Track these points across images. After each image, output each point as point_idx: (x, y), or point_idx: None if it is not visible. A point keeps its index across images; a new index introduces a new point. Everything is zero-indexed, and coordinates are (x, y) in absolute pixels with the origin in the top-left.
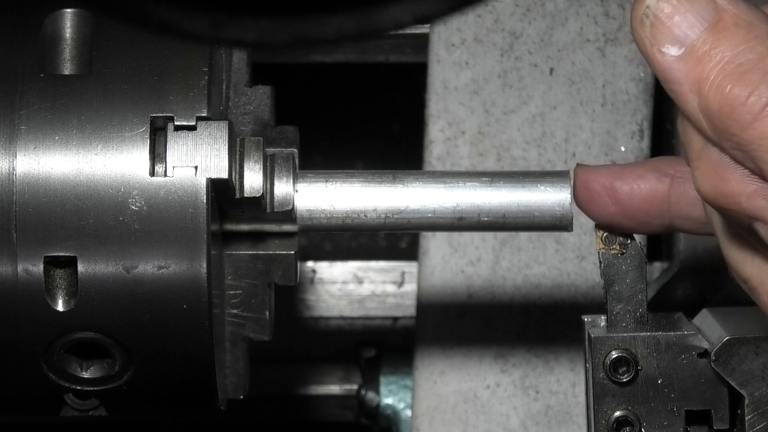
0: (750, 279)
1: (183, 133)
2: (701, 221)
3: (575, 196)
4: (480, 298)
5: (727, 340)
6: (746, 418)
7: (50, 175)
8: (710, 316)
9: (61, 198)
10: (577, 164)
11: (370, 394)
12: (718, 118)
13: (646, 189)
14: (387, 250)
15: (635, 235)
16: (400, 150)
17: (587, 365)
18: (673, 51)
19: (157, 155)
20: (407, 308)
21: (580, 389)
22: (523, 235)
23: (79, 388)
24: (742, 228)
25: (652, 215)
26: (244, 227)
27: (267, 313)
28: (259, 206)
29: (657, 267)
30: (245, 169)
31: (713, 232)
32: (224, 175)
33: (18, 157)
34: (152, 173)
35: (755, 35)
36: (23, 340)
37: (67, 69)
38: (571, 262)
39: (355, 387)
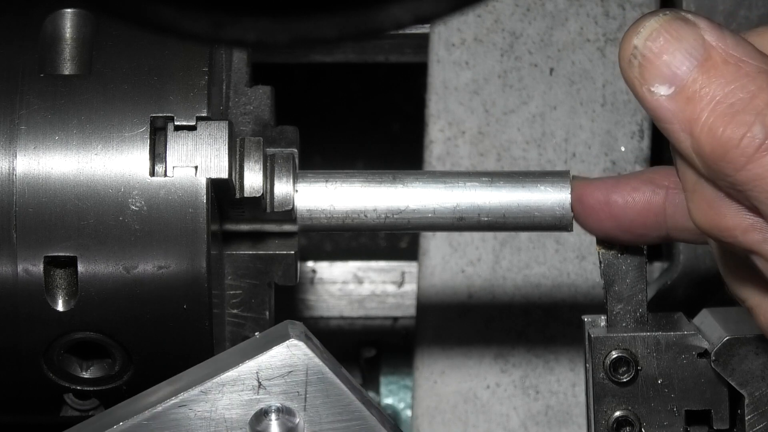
0: (746, 300)
1: (183, 133)
2: (698, 231)
3: (573, 208)
4: (480, 298)
5: (727, 340)
6: (746, 418)
7: (50, 175)
8: (710, 316)
9: (61, 198)
10: (573, 176)
11: (370, 394)
12: (711, 159)
13: (642, 201)
14: (387, 250)
15: None
16: (400, 150)
17: (587, 365)
18: (662, 90)
19: (157, 155)
20: (407, 308)
21: (580, 389)
22: (523, 235)
23: (79, 388)
24: (739, 256)
25: (648, 227)
26: (244, 227)
27: (267, 313)
28: (259, 206)
29: (657, 267)
30: (245, 169)
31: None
32: (224, 175)
33: (18, 157)
34: (152, 173)
35: (745, 72)
36: (23, 340)
37: (67, 69)
38: (571, 262)
39: None
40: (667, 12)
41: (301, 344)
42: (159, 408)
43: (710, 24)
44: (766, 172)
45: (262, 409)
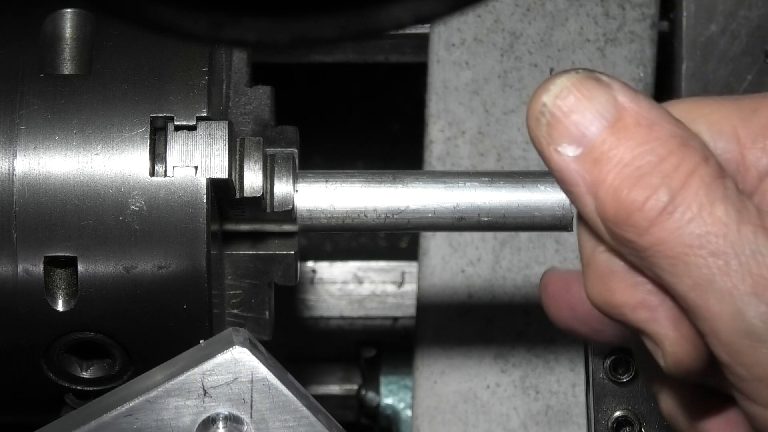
0: (650, 387)
1: (183, 133)
2: None
3: (541, 297)
4: (480, 298)
5: None
6: None
7: (50, 175)
8: None
9: (61, 198)
10: (548, 270)
11: (370, 394)
12: (615, 223)
13: None
14: (387, 250)
15: None
16: (400, 150)
17: (587, 365)
18: (569, 151)
19: (157, 155)
20: (407, 308)
21: (580, 389)
22: (523, 235)
23: (79, 388)
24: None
25: (604, 322)
26: (244, 227)
27: (267, 313)
28: (259, 206)
29: None
30: (245, 169)
31: None
32: (224, 175)
33: (18, 157)
34: (152, 173)
35: (656, 136)
36: (23, 340)
37: (67, 69)
38: (571, 262)
39: (355, 387)
40: (580, 71)
41: (245, 351)
42: (106, 417)
43: (624, 86)
44: (669, 236)
45: (209, 417)
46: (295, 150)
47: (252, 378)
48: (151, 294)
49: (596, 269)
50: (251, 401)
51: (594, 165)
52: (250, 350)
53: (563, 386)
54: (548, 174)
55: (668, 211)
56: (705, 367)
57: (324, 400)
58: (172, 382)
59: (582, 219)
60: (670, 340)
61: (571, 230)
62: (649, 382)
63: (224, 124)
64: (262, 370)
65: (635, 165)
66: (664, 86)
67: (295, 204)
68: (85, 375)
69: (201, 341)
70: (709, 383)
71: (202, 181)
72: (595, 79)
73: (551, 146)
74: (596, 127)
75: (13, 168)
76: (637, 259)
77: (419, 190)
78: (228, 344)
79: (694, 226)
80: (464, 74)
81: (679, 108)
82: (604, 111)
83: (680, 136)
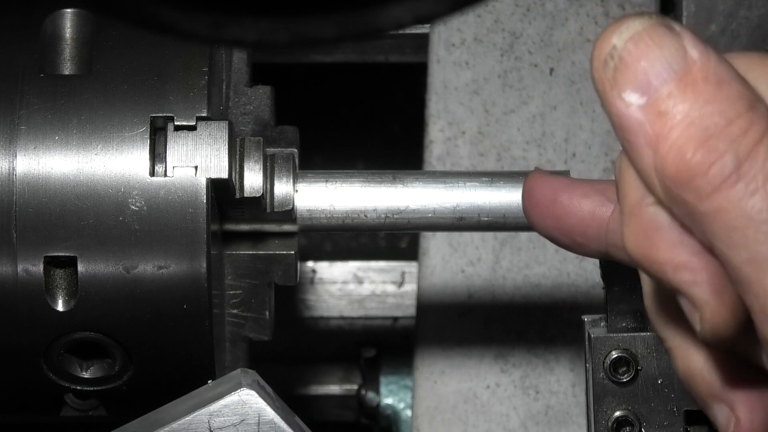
0: (666, 340)
1: (183, 133)
2: None
3: (522, 200)
4: (480, 298)
5: None
6: None
7: (50, 175)
8: None
9: (61, 198)
10: (535, 168)
11: (370, 394)
12: (674, 182)
13: (587, 209)
14: (387, 250)
15: None
16: (400, 150)
17: (587, 365)
18: (633, 99)
19: (157, 155)
20: (407, 308)
21: (580, 389)
22: (523, 235)
23: (79, 388)
24: (666, 291)
25: (588, 237)
26: (244, 227)
27: (267, 313)
28: (259, 206)
29: None
30: (245, 169)
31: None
32: (224, 175)
33: (18, 157)
34: (152, 173)
35: (725, 96)
36: (23, 340)
37: (67, 69)
38: (571, 262)
39: (355, 387)
40: (652, 15)
41: (253, 393)
42: None
43: (695, 38)
44: (731, 206)
45: None
46: (295, 150)
47: (259, 420)
48: (151, 294)
49: (640, 221)
50: None
51: (658, 118)
52: (257, 392)
53: (563, 386)
54: None
55: (732, 179)
56: (741, 338)
57: (324, 400)
58: (179, 422)
59: (630, 168)
60: (711, 307)
61: None
62: (666, 338)
63: (224, 124)
64: (269, 413)
65: (702, 125)
66: None
67: (295, 204)
68: (85, 375)
69: (209, 381)
70: (739, 352)
71: (202, 181)
72: (667, 26)
73: (615, 91)
74: (664, 78)
75: (13, 168)
76: (690, 221)
77: (419, 190)
78: (236, 386)
79: (758, 199)
80: (464, 74)
81: (739, 63)
82: (673, 62)
83: (748, 97)
